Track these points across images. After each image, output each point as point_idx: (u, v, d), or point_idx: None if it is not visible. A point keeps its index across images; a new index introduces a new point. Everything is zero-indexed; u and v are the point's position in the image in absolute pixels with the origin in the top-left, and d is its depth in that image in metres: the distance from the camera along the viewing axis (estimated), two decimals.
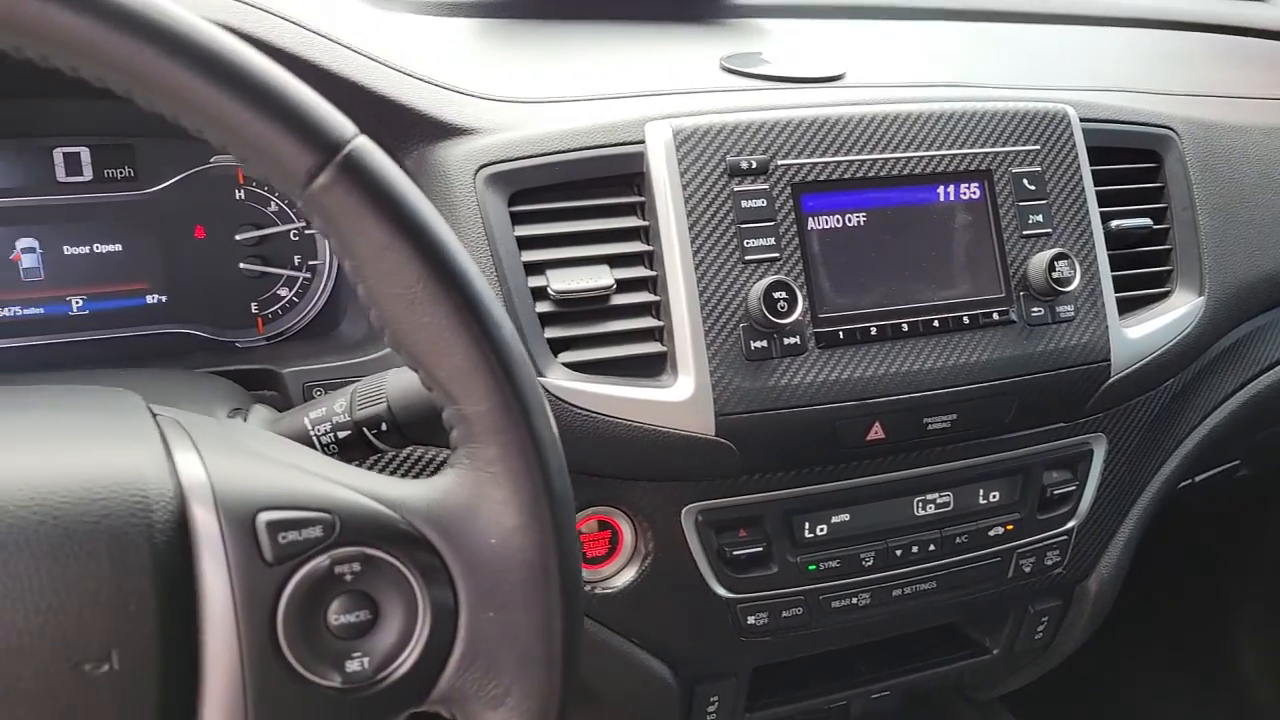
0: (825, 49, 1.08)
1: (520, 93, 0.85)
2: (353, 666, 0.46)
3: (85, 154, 0.91)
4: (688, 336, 0.75)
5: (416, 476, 0.62)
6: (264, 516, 0.44)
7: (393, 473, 0.73)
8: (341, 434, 0.62)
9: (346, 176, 0.43)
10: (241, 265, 0.96)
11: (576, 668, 0.48)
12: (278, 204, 0.96)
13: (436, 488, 0.48)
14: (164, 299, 0.94)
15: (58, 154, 0.91)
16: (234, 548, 0.44)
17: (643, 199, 0.79)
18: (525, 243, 0.76)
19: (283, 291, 0.98)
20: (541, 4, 1.13)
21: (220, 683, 0.43)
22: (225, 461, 0.46)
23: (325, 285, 0.98)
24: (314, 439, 0.62)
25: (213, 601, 0.43)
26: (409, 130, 0.77)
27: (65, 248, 0.91)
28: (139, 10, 0.40)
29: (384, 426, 0.61)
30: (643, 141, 0.78)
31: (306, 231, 0.97)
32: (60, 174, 0.91)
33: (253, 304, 0.98)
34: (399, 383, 0.61)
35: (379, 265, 0.44)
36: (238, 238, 0.95)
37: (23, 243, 0.91)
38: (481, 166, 0.75)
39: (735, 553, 0.81)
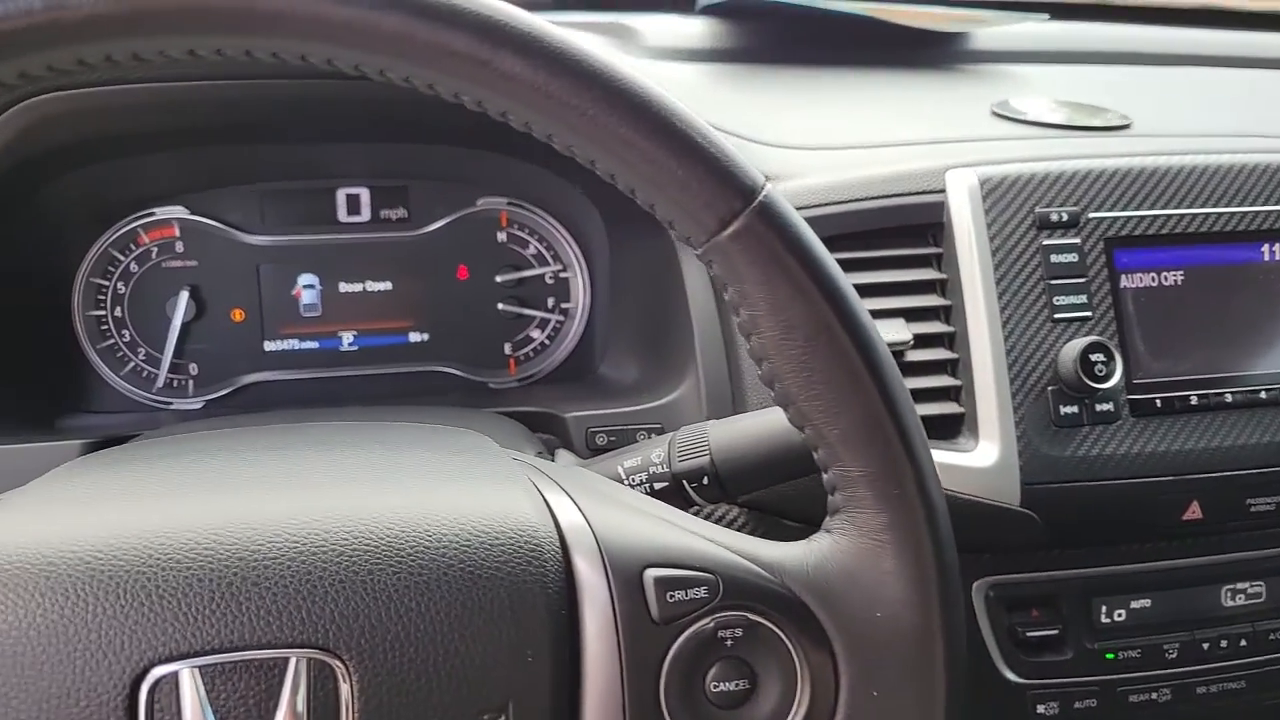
0: (1088, 94, 1.02)
1: (803, 139, 0.84)
2: None
3: (365, 195, 0.95)
4: (992, 399, 0.70)
5: None
6: (651, 573, 0.42)
7: None
8: (658, 485, 0.60)
9: (759, 225, 0.41)
10: (500, 306, 0.97)
11: None
12: (536, 247, 0.97)
13: (814, 552, 0.45)
14: (426, 337, 0.96)
15: (340, 194, 0.94)
16: (621, 604, 0.42)
17: (940, 250, 0.75)
18: None
19: (535, 333, 0.99)
20: (779, 49, 1.12)
21: None
22: (602, 512, 0.45)
23: (577, 329, 0.98)
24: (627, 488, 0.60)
25: (596, 658, 0.42)
26: None
27: (341, 285, 0.95)
28: (586, 60, 0.39)
29: (705, 480, 0.59)
30: (943, 190, 0.75)
31: (561, 275, 0.98)
32: (341, 214, 0.95)
33: (506, 345, 0.98)
34: (723, 435, 0.59)
35: (781, 317, 0.42)
36: (498, 279, 0.97)
37: (304, 279, 0.94)
38: None
39: (1027, 634, 0.75)
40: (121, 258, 0.89)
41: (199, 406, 0.91)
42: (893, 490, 0.43)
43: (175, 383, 0.91)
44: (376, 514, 0.41)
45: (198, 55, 0.39)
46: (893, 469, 0.43)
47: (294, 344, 0.94)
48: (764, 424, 0.58)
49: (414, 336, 0.96)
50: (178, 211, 0.90)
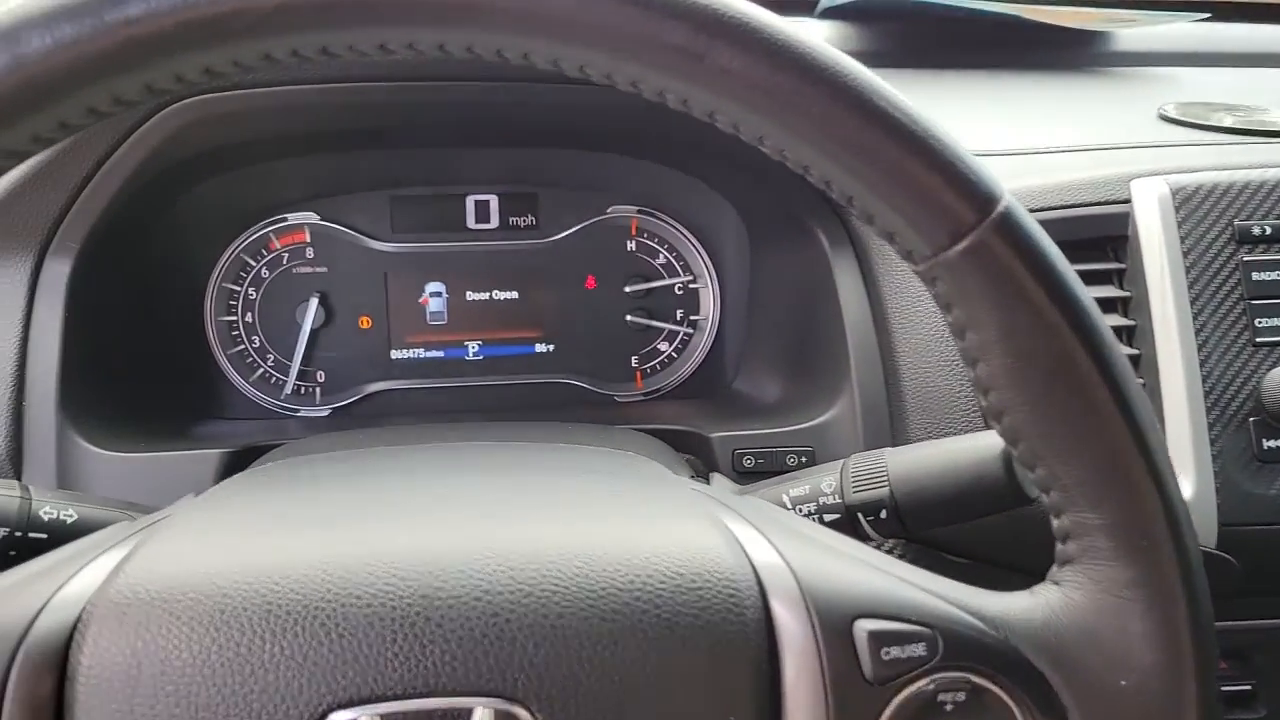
0: (1252, 99, 0.94)
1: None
2: None
3: (494, 202, 0.93)
4: (1185, 430, 0.64)
5: None
6: (863, 625, 0.38)
7: None
8: (828, 517, 0.55)
9: (997, 240, 0.36)
10: (628, 317, 0.94)
11: None
12: (666, 256, 0.94)
13: (1041, 606, 0.40)
14: (551, 348, 0.94)
15: (470, 201, 0.92)
16: (830, 659, 0.37)
17: (1123, 266, 0.69)
18: None
19: (663, 346, 0.95)
20: (908, 52, 1.06)
21: None
22: (801, 551, 0.40)
23: (705, 341, 0.94)
24: None
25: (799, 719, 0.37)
26: None
27: (468, 293, 0.93)
28: (813, 55, 0.35)
29: (882, 513, 0.54)
30: (1127, 200, 0.69)
31: (691, 286, 0.94)
32: (470, 220, 0.93)
33: (633, 358, 0.95)
34: (904, 465, 0.54)
35: (1016, 344, 0.37)
36: (627, 289, 0.94)
37: (431, 287, 0.93)
38: None
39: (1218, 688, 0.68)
40: (253, 263, 0.88)
41: (325, 414, 0.90)
42: (1140, 541, 0.38)
43: (303, 390, 0.90)
44: (563, 550, 0.38)
45: (388, 50, 0.36)
46: (1141, 518, 0.38)
47: (420, 352, 0.92)
48: (950, 454, 0.53)
49: (540, 347, 0.94)
50: (309, 217, 0.89)
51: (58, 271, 0.68)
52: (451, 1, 0.35)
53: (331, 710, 0.34)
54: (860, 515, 0.54)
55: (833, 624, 0.38)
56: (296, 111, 0.71)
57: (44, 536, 0.51)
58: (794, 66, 0.35)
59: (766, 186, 0.74)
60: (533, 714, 0.35)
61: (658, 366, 0.95)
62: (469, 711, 0.35)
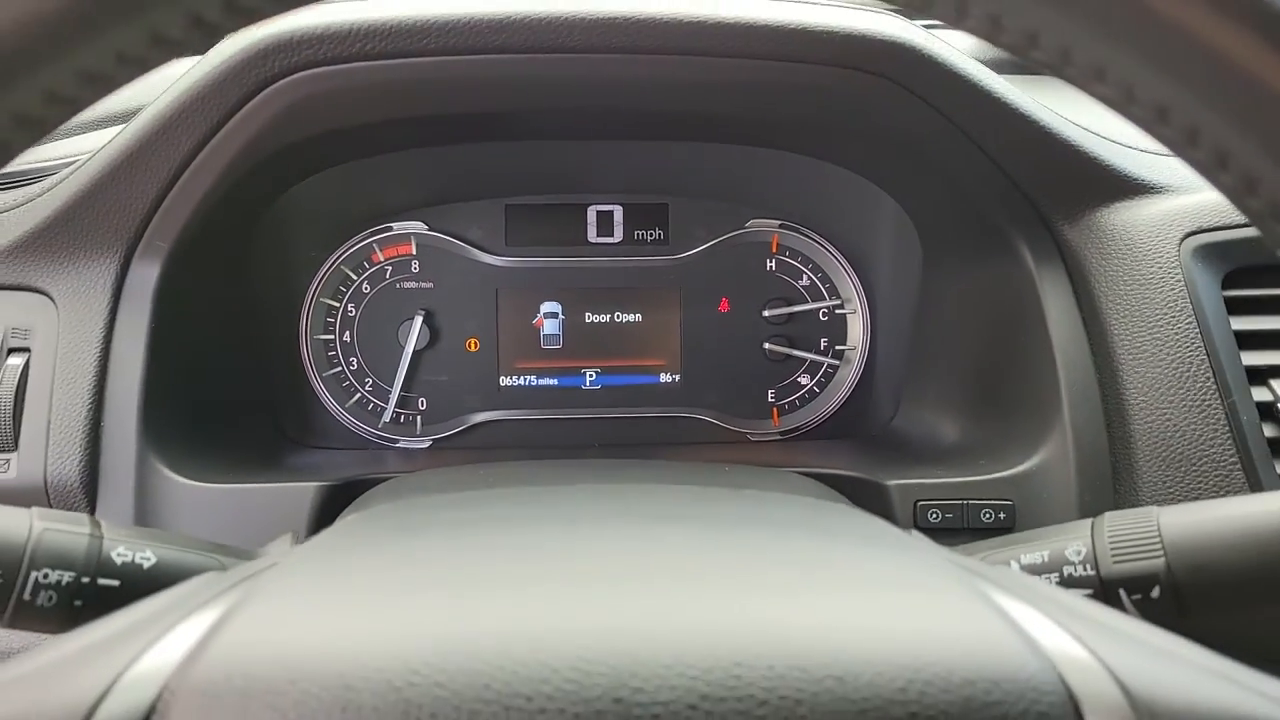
0: None
1: None
2: None
3: (618, 213, 0.83)
4: None
5: None
6: None
7: None
8: (1076, 593, 0.43)
9: None
10: (766, 345, 0.83)
11: None
12: (810, 278, 0.83)
13: None
14: (677, 378, 0.83)
15: (591, 212, 0.83)
16: None
17: None
18: (1245, 340, 0.55)
19: (804, 379, 0.84)
20: None
21: None
22: (1120, 652, 0.29)
23: (853, 375, 0.83)
24: None
25: None
26: (1080, 189, 0.60)
27: (587, 314, 0.83)
28: None
29: (1154, 591, 0.42)
30: None
31: (838, 311, 0.83)
32: (591, 234, 0.84)
33: (769, 391, 0.85)
34: (1184, 526, 0.42)
35: None
36: (765, 314, 0.83)
37: (546, 307, 0.84)
38: (1188, 235, 0.56)
39: None
40: (354, 276, 0.80)
41: (426, 445, 0.81)
42: None
43: (402, 418, 0.81)
44: (807, 640, 0.27)
45: None
46: None
47: (531, 380, 0.83)
48: (1252, 517, 0.41)
49: (665, 377, 0.83)
50: (416, 227, 0.81)
51: (146, 275, 0.61)
52: None
53: None
54: (1124, 592, 0.42)
55: None
56: (414, 88, 0.62)
57: (115, 584, 0.42)
58: None
59: (953, 189, 0.63)
60: None
61: (797, 402, 0.84)
62: None
